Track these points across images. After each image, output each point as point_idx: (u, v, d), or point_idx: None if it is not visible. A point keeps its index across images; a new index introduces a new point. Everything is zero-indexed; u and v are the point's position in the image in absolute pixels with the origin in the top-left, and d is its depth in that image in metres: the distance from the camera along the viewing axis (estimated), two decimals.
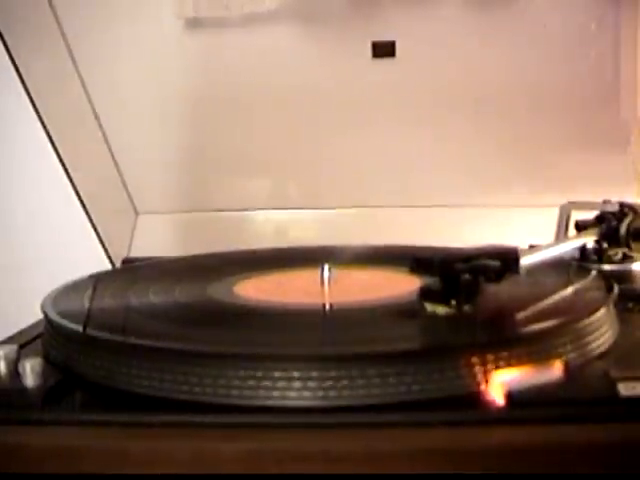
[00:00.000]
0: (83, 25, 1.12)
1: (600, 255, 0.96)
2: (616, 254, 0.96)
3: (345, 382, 0.62)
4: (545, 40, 1.09)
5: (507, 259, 0.75)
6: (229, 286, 0.89)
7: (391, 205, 1.21)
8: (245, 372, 0.63)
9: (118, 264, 1.19)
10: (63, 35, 1.12)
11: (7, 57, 1.01)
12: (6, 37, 0.99)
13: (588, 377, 0.66)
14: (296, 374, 0.62)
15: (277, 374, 0.63)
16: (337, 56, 1.12)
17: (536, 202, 1.14)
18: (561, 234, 1.02)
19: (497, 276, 0.74)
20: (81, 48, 1.14)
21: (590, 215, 0.99)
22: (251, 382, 0.63)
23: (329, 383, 0.62)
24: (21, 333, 0.85)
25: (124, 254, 1.22)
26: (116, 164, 1.22)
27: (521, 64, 1.10)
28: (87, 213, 1.15)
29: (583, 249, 0.97)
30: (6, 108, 1.29)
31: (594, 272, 0.89)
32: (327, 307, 0.83)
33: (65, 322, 0.74)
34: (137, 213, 1.27)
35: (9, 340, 0.81)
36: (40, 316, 0.82)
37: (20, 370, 0.66)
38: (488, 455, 0.58)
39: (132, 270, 1.05)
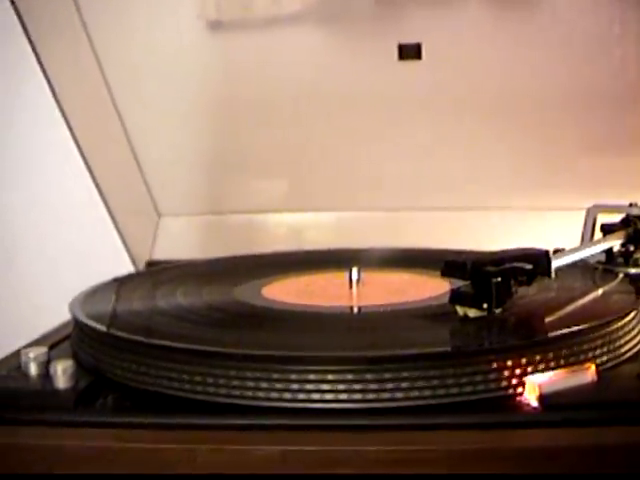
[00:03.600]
0: (106, 30, 1.12)
1: (626, 258, 0.96)
2: None
3: (377, 385, 0.62)
4: (570, 41, 1.09)
5: (539, 262, 0.74)
6: (256, 288, 0.89)
7: (414, 208, 1.21)
8: (276, 374, 0.63)
9: (140, 266, 1.20)
10: (89, 39, 1.12)
11: (34, 59, 1.01)
12: (33, 40, 1.00)
13: (620, 380, 0.66)
14: (328, 377, 0.62)
15: (310, 377, 0.63)
16: (362, 58, 1.11)
17: (562, 205, 1.13)
18: (587, 237, 1.01)
19: (528, 279, 0.74)
20: (105, 52, 1.13)
21: (616, 218, 0.98)
22: (282, 384, 0.63)
23: (361, 386, 0.62)
24: (48, 335, 0.85)
25: (147, 256, 1.22)
26: (139, 166, 1.22)
27: (546, 65, 1.09)
28: (110, 215, 1.15)
29: (609, 252, 0.96)
30: (31, 110, 1.30)
31: (621, 275, 0.88)
32: (358, 309, 0.83)
33: (95, 324, 0.74)
34: (159, 215, 1.27)
35: (37, 342, 0.81)
36: (66, 317, 0.82)
37: (51, 372, 0.66)
38: (522, 457, 0.58)
39: (158, 272, 1.05)
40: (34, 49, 1.01)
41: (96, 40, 1.13)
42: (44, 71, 1.03)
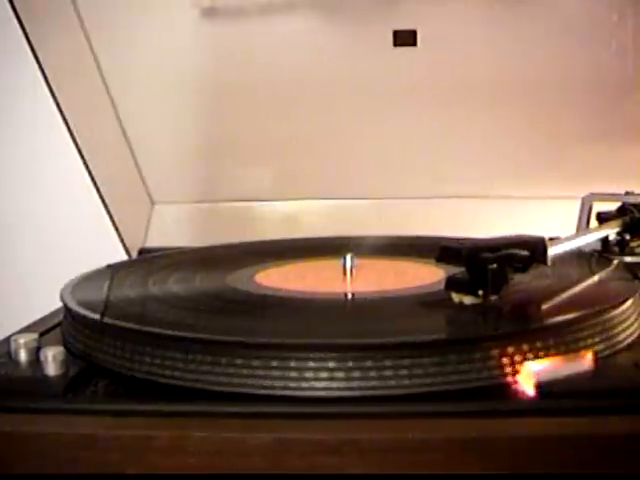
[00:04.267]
0: (102, 17, 1.11)
1: (622, 247, 0.95)
2: (638, 246, 0.95)
3: (373, 372, 0.61)
4: (567, 30, 1.08)
5: (535, 249, 0.74)
6: (250, 275, 0.88)
7: (410, 197, 1.20)
8: (270, 362, 0.62)
9: (134, 254, 1.19)
10: (85, 31, 1.11)
11: (27, 45, 1.00)
12: (27, 27, 0.99)
13: (617, 368, 0.65)
14: (323, 364, 0.62)
15: (304, 364, 0.62)
16: (357, 45, 1.11)
17: (557, 193, 1.13)
18: (583, 225, 1.01)
19: (524, 266, 0.73)
20: (99, 39, 1.12)
21: (612, 206, 0.98)
22: (276, 372, 0.62)
23: (357, 373, 0.61)
24: (39, 322, 0.85)
25: (140, 244, 1.22)
26: (133, 154, 1.21)
27: (543, 54, 1.09)
28: (104, 203, 1.14)
29: (605, 240, 0.96)
30: (28, 102, 1.29)
31: (616, 262, 0.88)
32: (354, 297, 0.83)
33: (85, 311, 0.74)
34: (153, 203, 1.26)
35: (28, 328, 0.81)
36: (57, 305, 0.81)
37: (42, 359, 0.65)
38: (518, 445, 0.57)
39: (151, 260, 1.04)
40: (27, 37, 1.00)
41: (92, 33, 1.12)
42: (37, 58, 1.02)
